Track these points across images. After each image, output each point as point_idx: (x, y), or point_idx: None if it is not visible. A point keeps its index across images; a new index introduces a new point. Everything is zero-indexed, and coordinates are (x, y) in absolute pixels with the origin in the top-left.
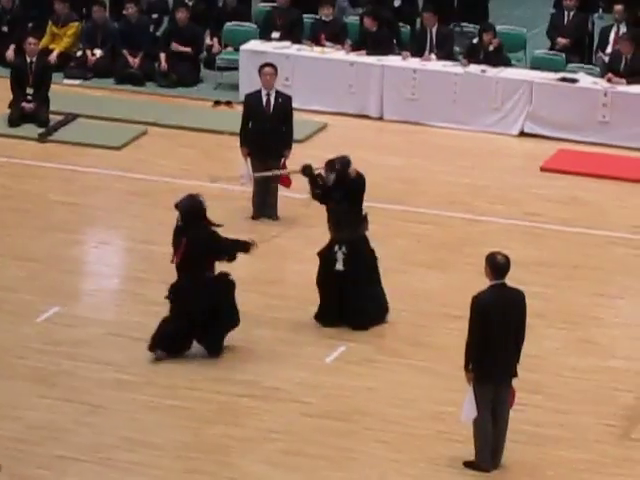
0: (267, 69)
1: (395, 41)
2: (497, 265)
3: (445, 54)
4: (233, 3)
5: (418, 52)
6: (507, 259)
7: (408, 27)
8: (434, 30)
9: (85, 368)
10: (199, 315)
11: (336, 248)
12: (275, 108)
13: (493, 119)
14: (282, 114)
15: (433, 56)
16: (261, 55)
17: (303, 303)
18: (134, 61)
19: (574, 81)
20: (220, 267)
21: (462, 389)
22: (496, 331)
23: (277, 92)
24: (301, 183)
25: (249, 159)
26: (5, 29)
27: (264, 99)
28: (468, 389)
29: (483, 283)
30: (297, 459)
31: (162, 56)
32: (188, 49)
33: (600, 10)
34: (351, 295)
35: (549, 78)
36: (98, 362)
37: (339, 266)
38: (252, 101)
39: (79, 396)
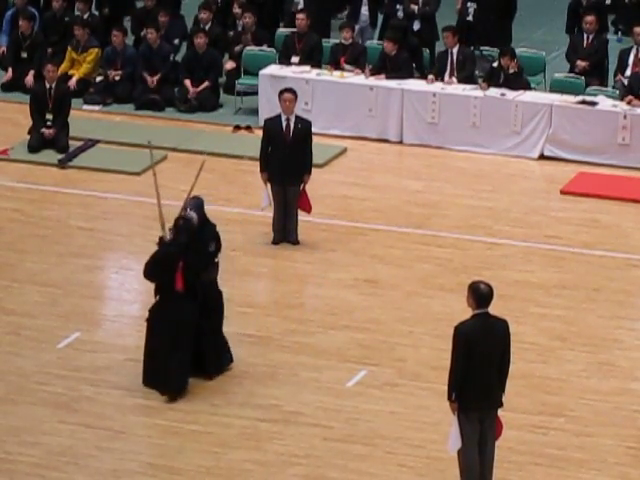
0: (287, 94)
1: (415, 65)
2: (481, 294)
3: (466, 76)
4: (252, 28)
5: (440, 74)
6: (490, 288)
7: (427, 51)
8: (455, 51)
9: (106, 394)
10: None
11: None
12: (295, 133)
13: (513, 142)
14: (302, 139)
15: (454, 79)
16: (281, 80)
17: (324, 327)
18: (152, 80)
19: (594, 104)
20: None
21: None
22: (479, 361)
23: (297, 117)
24: (321, 208)
25: (269, 184)
26: (24, 55)
27: (284, 124)
28: (453, 419)
29: (504, 307)
30: None
31: (187, 82)
32: (206, 84)
33: (619, 33)
34: (205, 343)
35: (569, 101)
36: (119, 388)
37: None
38: (272, 126)
39: (100, 422)
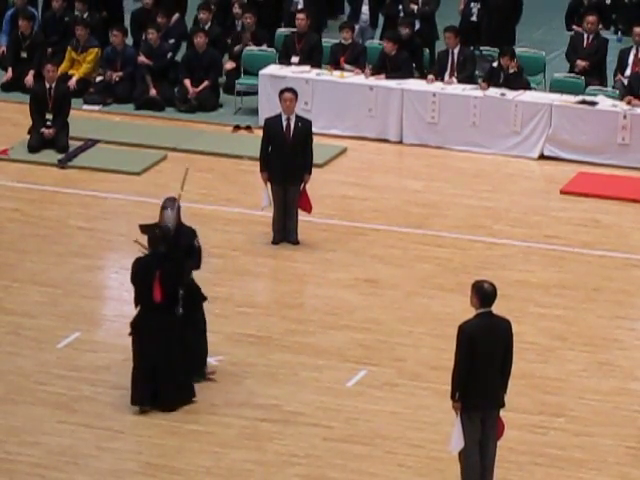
0: (287, 94)
1: (415, 65)
2: (485, 293)
3: (466, 76)
4: (252, 28)
5: (440, 74)
6: (494, 287)
7: (427, 50)
8: (456, 51)
9: (106, 394)
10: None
11: None
12: (295, 133)
13: (513, 142)
14: (302, 139)
15: (454, 79)
16: (280, 80)
17: (324, 327)
18: (153, 89)
19: (593, 104)
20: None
21: None
22: (482, 360)
23: (297, 117)
24: (321, 208)
25: (269, 184)
26: (24, 55)
27: (284, 124)
28: (455, 419)
29: (504, 307)
30: None
31: (187, 82)
32: (206, 84)
33: (619, 33)
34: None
35: (568, 101)
36: (119, 387)
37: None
38: (272, 126)
39: (100, 421)
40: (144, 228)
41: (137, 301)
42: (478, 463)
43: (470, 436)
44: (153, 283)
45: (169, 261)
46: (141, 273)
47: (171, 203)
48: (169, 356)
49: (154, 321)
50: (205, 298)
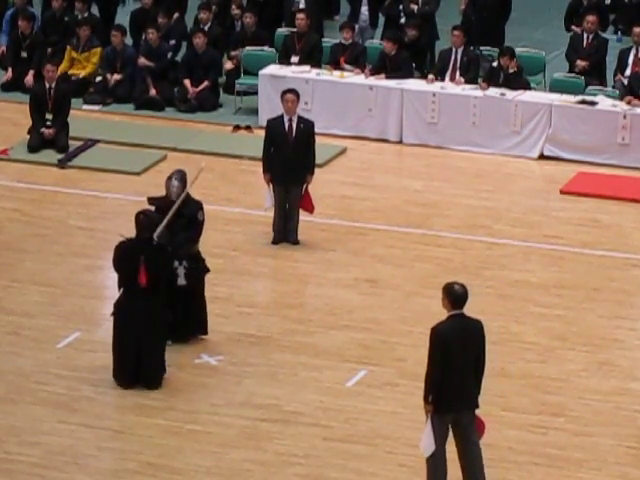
0: (289, 95)
1: (415, 65)
2: (456, 295)
3: (471, 78)
4: (252, 28)
5: (440, 73)
6: (465, 289)
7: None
8: (460, 51)
9: (105, 393)
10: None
11: (176, 264)
12: (297, 134)
13: (513, 142)
14: (304, 139)
15: (462, 79)
16: (280, 80)
17: (324, 327)
18: (153, 89)
19: (593, 104)
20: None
21: (484, 413)
22: (456, 362)
23: (299, 117)
24: (321, 208)
25: (272, 185)
26: (24, 55)
27: (286, 125)
28: (426, 421)
29: (504, 307)
30: None
31: (187, 82)
32: (205, 84)
33: (619, 33)
34: (195, 307)
35: (568, 101)
36: (119, 387)
37: (181, 281)
38: (274, 127)
39: (100, 421)
40: (151, 200)
41: (120, 284)
42: (445, 464)
43: (440, 438)
44: (138, 268)
45: (153, 247)
46: (124, 258)
47: (178, 174)
48: (151, 337)
49: (137, 304)
50: (208, 270)
